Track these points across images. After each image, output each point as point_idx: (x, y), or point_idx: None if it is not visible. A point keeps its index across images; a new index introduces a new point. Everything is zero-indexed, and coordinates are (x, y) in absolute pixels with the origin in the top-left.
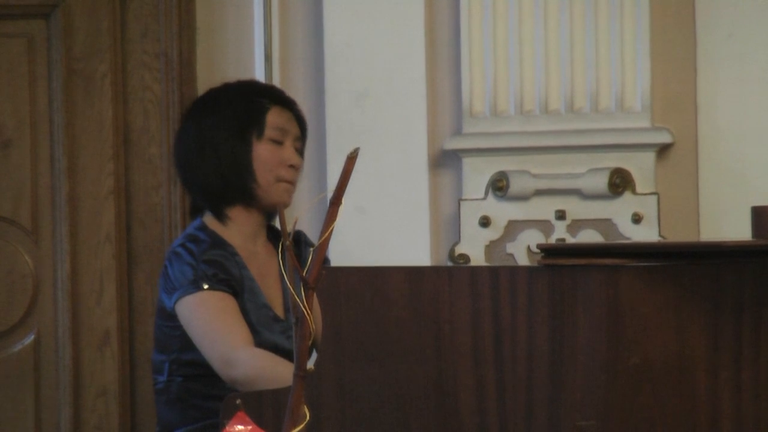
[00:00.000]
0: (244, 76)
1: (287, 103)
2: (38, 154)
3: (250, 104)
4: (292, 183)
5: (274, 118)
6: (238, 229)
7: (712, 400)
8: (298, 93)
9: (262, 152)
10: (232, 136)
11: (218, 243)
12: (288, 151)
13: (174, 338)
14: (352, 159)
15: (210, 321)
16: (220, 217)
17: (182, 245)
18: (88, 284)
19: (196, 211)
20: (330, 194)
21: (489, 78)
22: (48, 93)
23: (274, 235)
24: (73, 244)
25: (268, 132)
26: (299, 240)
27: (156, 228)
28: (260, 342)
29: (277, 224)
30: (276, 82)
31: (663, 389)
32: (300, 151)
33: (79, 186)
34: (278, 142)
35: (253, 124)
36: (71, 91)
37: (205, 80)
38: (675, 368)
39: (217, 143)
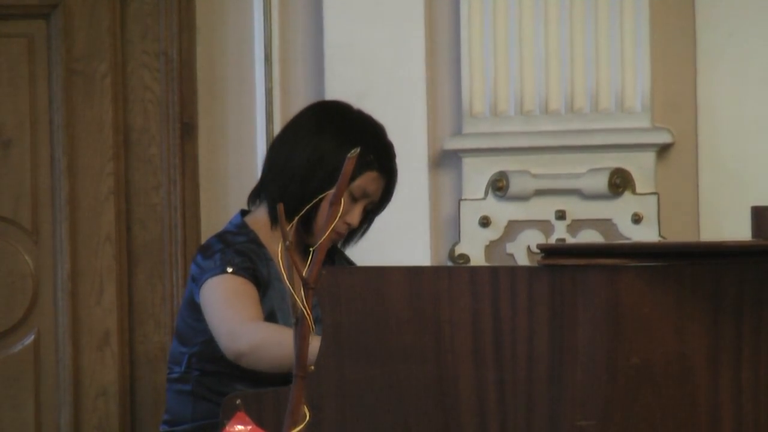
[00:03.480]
0: (244, 76)
1: (389, 174)
2: (38, 154)
3: (361, 154)
4: (341, 236)
5: (367, 180)
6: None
7: (713, 400)
8: (298, 93)
9: None
10: (327, 171)
11: (255, 243)
12: (356, 211)
13: (198, 332)
14: (351, 159)
15: (224, 300)
16: (275, 221)
17: (218, 236)
18: (88, 284)
19: (253, 198)
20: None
21: (489, 78)
22: (48, 93)
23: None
24: (73, 244)
25: (353, 189)
26: (333, 254)
27: (156, 228)
28: None
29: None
30: (276, 82)
31: (663, 389)
32: (368, 215)
33: (79, 186)
34: (354, 200)
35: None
36: (71, 91)
37: (205, 80)
38: (675, 368)
39: (317, 166)
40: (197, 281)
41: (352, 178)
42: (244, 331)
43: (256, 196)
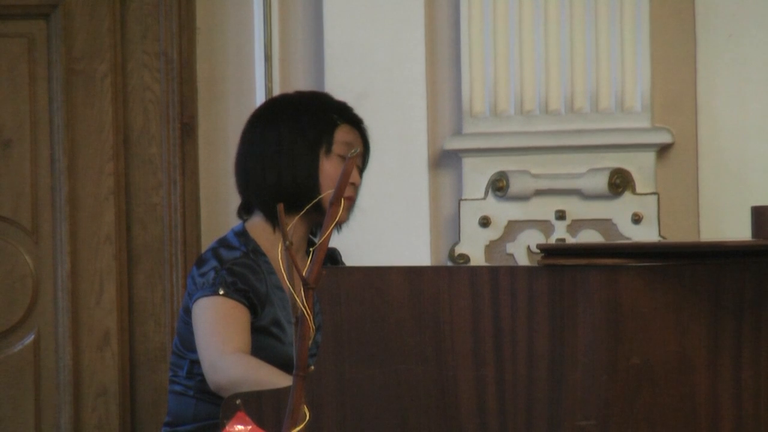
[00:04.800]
0: (244, 76)
1: (355, 122)
2: (38, 154)
3: (323, 118)
4: (352, 200)
5: (343, 134)
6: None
7: (712, 400)
8: None
9: (329, 168)
10: (304, 146)
11: (253, 252)
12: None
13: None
14: (351, 159)
15: (211, 325)
16: (275, 220)
17: (213, 250)
18: (88, 284)
19: (243, 213)
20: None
21: (489, 78)
22: (48, 93)
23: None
24: (73, 244)
25: (336, 148)
26: (334, 257)
27: (156, 228)
28: (284, 355)
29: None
30: (276, 82)
31: (663, 389)
32: (360, 170)
33: (79, 186)
34: (344, 158)
35: (324, 139)
36: (71, 91)
37: (205, 80)
38: (675, 368)
39: (295, 151)
40: (191, 296)
41: (329, 143)
42: (225, 365)
43: (243, 210)
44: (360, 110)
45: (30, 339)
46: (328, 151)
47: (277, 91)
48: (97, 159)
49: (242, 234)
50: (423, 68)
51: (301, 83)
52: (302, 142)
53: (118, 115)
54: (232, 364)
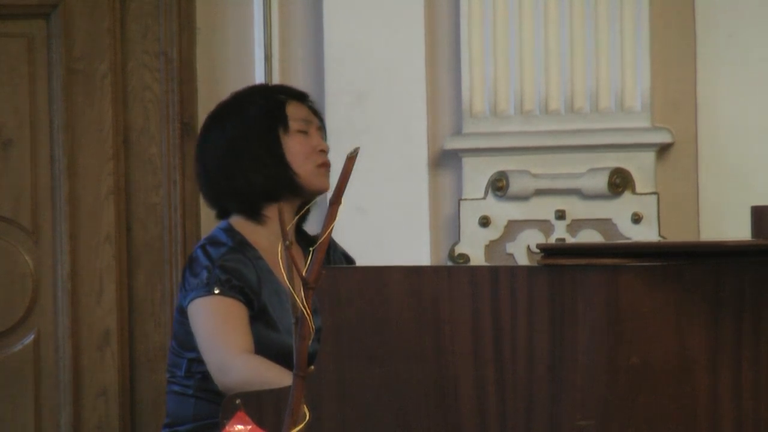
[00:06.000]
0: (244, 76)
1: (301, 97)
2: (38, 154)
3: (268, 102)
4: (328, 166)
5: (294, 111)
6: (269, 229)
7: (712, 400)
8: None
9: (293, 144)
10: (261, 134)
11: (241, 246)
12: (315, 139)
13: (195, 337)
14: (352, 159)
15: (213, 326)
16: (255, 216)
17: (202, 247)
18: (88, 284)
19: (221, 217)
20: (330, 194)
21: (489, 78)
22: (48, 93)
23: (302, 237)
24: (73, 244)
25: (293, 124)
26: (330, 246)
27: (156, 228)
28: (278, 344)
29: (312, 227)
30: (276, 82)
31: (663, 389)
32: (323, 138)
33: (79, 186)
34: (304, 132)
35: (278, 120)
36: (71, 91)
37: (205, 80)
38: (675, 368)
39: (249, 144)
40: (185, 297)
41: (284, 121)
42: (233, 366)
43: (221, 215)
44: (360, 110)
45: (30, 339)
46: (286, 129)
47: None
48: (97, 159)
49: (228, 229)
50: (423, 68)
51: (301, 83)
52: (254, 131)
53: (118, 115)
54: (241, 366)
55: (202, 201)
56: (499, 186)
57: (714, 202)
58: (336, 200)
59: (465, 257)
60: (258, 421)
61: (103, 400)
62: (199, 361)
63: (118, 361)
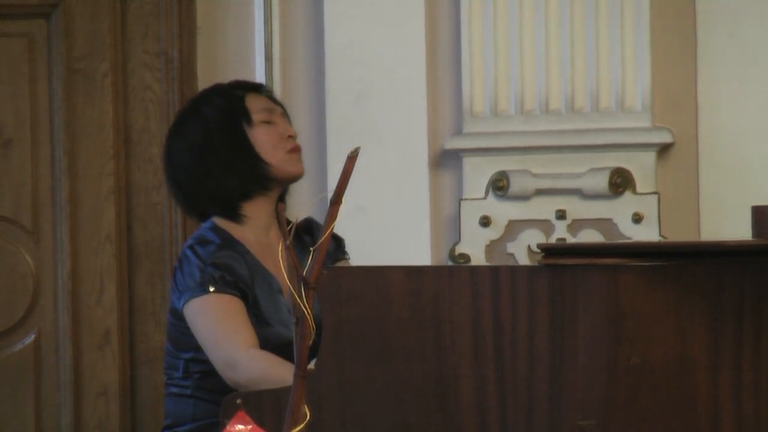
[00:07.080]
0: (245, 75)
1: (258, 88)
2: (38, 154)
3: (226, 99)
4: (299, 151)
5: (254, 103)
6: (252, 225)
7: (713, 400)
8: (299, 93)
9: (259, 135)
10: (225, 133)
11: (229, 243)
12: (281, 126)
13: (190, 337)
14: (352, 159)
15: (215, 324)
16: (234, 216)
17: (191, 247)
18: (88, 284)
19: (203, 220)
20: (330, 194)
21: (489, 78)
22: (48, 93)
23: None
24: (74, 243)
25: (256, 116)
26: (310, 227)
27: (156, 228)
28: (274, 337)
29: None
30: (276, 82)
31: (663, 389)
32: (289, 123)
33: (80, 186)
34: (268, 122)
35: (240, 115)
36: (71, 91)
37: (205, 80)
38: (675, 368)
39: (215, 145)
40: (179, 298)
41: (246, 115)
42: (243, 363)
43: (201, 218)
44: (360, 110)
45: (30, 339)
46: (249, 122)
47: (277, 91)
48: (98, 158)
49: (214, 228)
50: (423, 68)
51: (301, 83)
52: (217, 131)
53: (118, 115)
54: (251, 362)
55: None
56: (499, 186)
57: (714, 202)
58: (336, 200)
59: (465, 257)
60: (258, 421)
61: (103, 399)
62: (196, 361)
63: (118, 360)
